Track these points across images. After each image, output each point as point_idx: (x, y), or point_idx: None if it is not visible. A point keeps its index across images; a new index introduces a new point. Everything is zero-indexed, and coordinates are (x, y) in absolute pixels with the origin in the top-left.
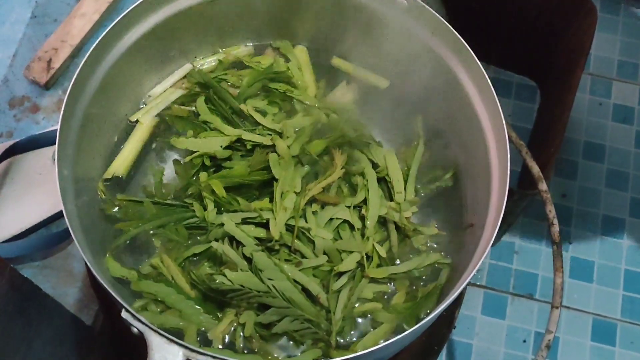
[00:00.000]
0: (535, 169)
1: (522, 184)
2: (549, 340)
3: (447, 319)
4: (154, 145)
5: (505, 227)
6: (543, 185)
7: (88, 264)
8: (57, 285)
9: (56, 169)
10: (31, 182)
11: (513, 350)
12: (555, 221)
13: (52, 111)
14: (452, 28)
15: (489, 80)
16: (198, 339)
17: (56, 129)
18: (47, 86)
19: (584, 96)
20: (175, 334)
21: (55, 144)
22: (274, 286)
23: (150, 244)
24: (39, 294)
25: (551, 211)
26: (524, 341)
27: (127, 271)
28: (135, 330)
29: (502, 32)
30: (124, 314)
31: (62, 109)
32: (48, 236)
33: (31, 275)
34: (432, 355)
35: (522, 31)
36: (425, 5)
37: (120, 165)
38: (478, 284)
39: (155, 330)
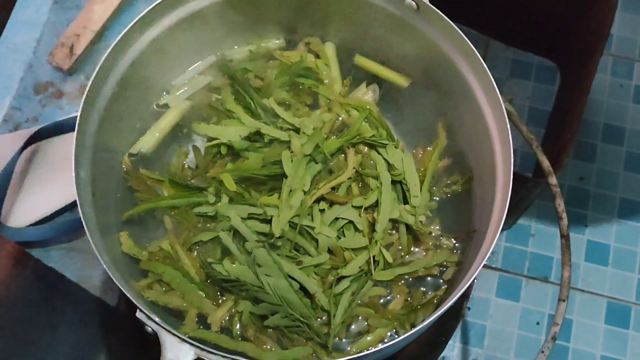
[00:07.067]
0: (545, 163)
1: (536, 172)
2: (555, 332)
3: (456, 311)
4: (185, 130)
5: (520, 212)
6: (553, 179)
7: (89, 236)
8: (83, 267)
9: (74, 136)
10: (56, 167)
11: (527, 332)
12: (564, 215)
13: (75, 97)
14: (458, 30)
15: (494, 83)
16: (197, 320)
17: None
18: (70, 72)
19: (604, 77)
20: (177, 315)
21: None
22: (268, 283)
23: (163, 224)
24: (63, 281)
25: (560, 205)
26: (538, 323)
27: (139, 250)
28: (149, 329)
29: (521, 12)
30: (138, 314)
31: (92, 77)
32: (73, 220)
33: (58, 257)
34: (440, 345)
35: (541, 12)
36: (433, 7)
37: (148, 142)
38: (493, 266)
39: (168, 331)
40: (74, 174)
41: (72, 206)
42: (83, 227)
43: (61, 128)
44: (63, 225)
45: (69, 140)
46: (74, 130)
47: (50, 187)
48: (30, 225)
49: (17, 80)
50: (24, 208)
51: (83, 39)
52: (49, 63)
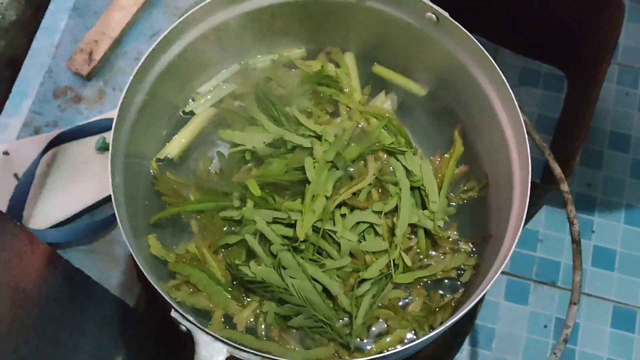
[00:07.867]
0: (557, 170)
1: (545, 178)
2: (567, 334)
3: (470, 313)
4: (213, 137)
5: (528, 218)
6: (564, 186)
7: (125, 238)
8: (102, 269)
9: (110, 143)
10: (76, 170)
11: (535, 335)
12: (576, 221)
13: (94, 102)
14: (476, 41)
15: (511, 92)
16: (223, 320)
17: (99, 120)
18: (89, 77)
19: (610, 86)
20: (204, 315)
21: (97, 134)
22: (293, 285)
23: (188, 227)
24: (89, 282)
25: (572, 211)
26: (545, 326)
27: (166, 252)
28: (183, 328)
29: (530, 21)
30: (173, 314)
31: (125, 89)
32: (93, 222)
33: (78, 259)
34: (455, 347)
35: (550, 22)
36: (453, 20)
37: (174, 148)
38: (502, 270)
39: (202, 329)
40: (110, 179)
41: (91, 209)
42: (102, 230)
43: (82, 132)
44: (83, 227)
45: (89, 144)
46: (94, 135)
47: (71, 190)
48: (51, 227)
49: (37, 85)
50: (44, 210)
51: (102, 45)
52: (68, 68)
